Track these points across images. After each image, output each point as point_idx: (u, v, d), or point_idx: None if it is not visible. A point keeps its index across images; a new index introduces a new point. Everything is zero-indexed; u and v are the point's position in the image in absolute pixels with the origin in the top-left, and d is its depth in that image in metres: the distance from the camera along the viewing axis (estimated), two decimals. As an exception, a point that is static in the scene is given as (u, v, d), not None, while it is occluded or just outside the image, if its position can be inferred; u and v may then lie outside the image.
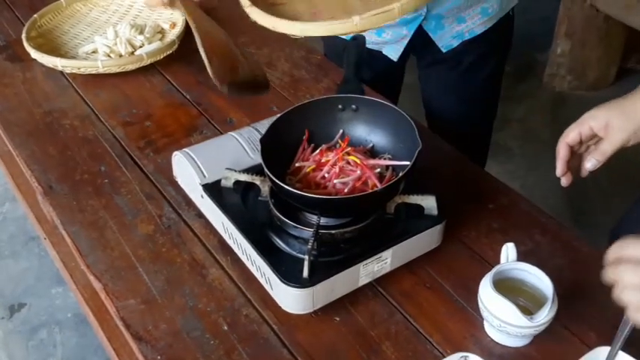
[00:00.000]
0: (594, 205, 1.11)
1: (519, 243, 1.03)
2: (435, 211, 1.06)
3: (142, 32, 1.60)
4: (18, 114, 1.42)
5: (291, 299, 0.98)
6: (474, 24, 1.44)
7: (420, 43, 1.47)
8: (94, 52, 1.58)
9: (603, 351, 0.90)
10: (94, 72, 1.47)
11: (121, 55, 1.54)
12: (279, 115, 1.12)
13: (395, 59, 1.50)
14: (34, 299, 2.17)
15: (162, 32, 1.65)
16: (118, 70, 1.47)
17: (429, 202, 1.06)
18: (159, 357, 0.96)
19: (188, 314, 1.02)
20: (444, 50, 1.47)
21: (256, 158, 1.13)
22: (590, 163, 1.09)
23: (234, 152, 1.16)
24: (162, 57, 1.52)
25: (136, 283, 1.07)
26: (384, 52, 1.50)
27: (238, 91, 1.15)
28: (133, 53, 1.55)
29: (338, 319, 1.01)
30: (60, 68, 1.49)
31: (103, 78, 1.50)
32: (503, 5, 1.45)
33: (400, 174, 1.02)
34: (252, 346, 0.97)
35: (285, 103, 1.34)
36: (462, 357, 0.90)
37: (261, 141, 1.06)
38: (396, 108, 1.11)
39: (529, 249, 1.10)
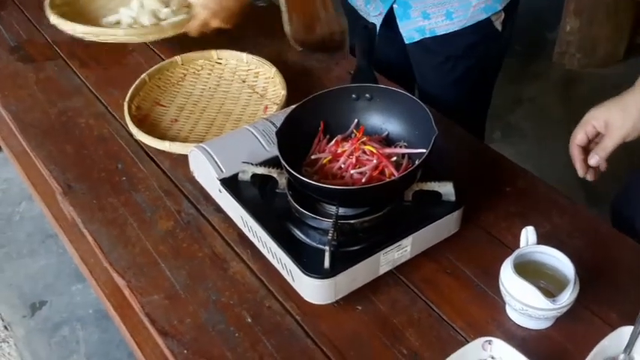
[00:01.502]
0: (608, 183, 1.12)
1: (538, 225, 1.03)
2: (452, 197, 1.06)
3: (167, 5, 1.56)
4: (33, 114, 1.43)
5: (313, 290, 0.99)
6: (437, 24, 1.43)
7: (392, 25, 1.48)
8: (118, 22, 1.55)
9: (626, 331, 0.90)
10: (112, 41, 1.45)
11: (143, 27, 1.51)
12: (293, 107, 1.13)
13: (377, 30, 1.47)
14: (55, 297, 2.19)
15: (188, 6, 1.53)
16: (139, 40, 1.45)
17: (446, 189, 1.06)
18: (185, 351, 0.97)
19: (212, 308, 1.03)
20: (405, 41, 1.48)
21: (272, 151, 1.14)
22: (593, 159, 1.13)
23: (249, 146, 1.17)
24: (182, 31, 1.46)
25: (159, 278, 1.08)
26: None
27: (312, 49, 1.13)
28: (157, 25, 1.50)
29: (360, 308, 1.02)
30: (80, 35, 1.46)
31: (114, 77, 1.51)
32: (469, 14, 1.41)
33: (417, 162, 1.03)
34: (277, 338, 0.98)
35: (298, 94, 1.33)
36: (485, 341, 0.91)
37: (277, 134, 1.07)
38: (410, 96, 1.12)
39: (547, 231, 1.10)
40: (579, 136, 1.14)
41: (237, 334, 0.99)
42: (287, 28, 1.06)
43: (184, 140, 1.33)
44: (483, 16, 1.42)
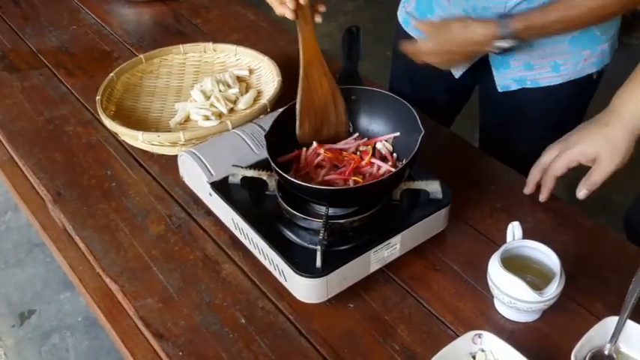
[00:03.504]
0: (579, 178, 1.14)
1: (523, 221, 1.05)
2: (439, 195, 1.09)
3: (229, 85, 1.46)
4: (20, 123, 1.43)
5: (305, 289, 1.01)
6: (541, 75, 1.33)
7: (483, 71, 1.38)
8: (187, 120, 1.39)
9: (612, 321, 0.93)
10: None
11: (220, 115, 1.39)
12: (281, 111, 1.15)
13: (456, 76, 1.42)
14: (43, 305, 2.19)
15: (244, 80, 1.50)
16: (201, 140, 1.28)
17: (433, 187, 1.09)
18: (180, 353, 0.98)
19: (205, 310, 1.04)
20: (499, 89, 1.37)
21: (261, 154, 1.15)
22: (582, 193, 1.12)
23: (238, 149, 1.18)
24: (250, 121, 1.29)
25: (152, 282, 1.09)
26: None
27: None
28: (232, 110, 1.41)
29: (352, 305, 1.04)
30: (141, 143, 1.31)
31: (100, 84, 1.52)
32: (579, 68, 1.32)
33: (405, 161, 1.05)
34: (271, 337, 1.00)
35: (285, 97, 1.35)
36: (475, 335, 0.93)
37: (266, 137, 1.08)
38: (396, 97, 1.14)
39: (533, 226, 1.13)
40: (561, 170, 1.12)
41: (231, 334, 1.00)
42: (298, 131, 1.12)
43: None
44: (593, 70, 1.33)
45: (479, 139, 1.56)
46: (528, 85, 1.35)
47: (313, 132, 1.14)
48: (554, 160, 1.13)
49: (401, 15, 1.52)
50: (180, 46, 1.55)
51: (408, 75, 1.54)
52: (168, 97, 1.47)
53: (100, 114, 1.32)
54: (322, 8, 1.10)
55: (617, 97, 1.11)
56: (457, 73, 1.41)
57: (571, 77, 1.33)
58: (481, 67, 1.37)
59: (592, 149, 1.09)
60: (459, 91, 1.54)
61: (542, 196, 1.17)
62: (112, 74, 1.43)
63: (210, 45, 1.55)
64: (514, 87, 1.36)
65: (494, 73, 1.36)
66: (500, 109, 1.44)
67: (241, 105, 1.41)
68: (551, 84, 1.33)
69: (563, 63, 1.31)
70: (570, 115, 1.38)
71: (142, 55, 1.51)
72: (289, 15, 1.07)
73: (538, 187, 1.18)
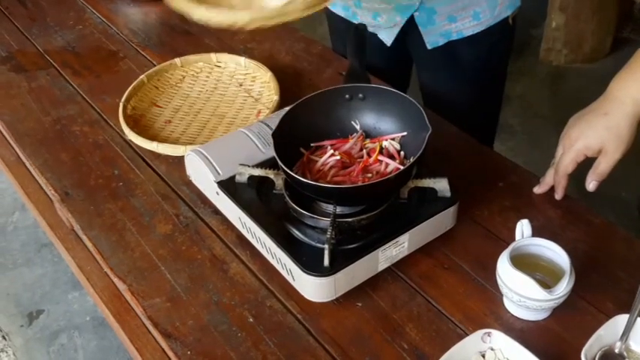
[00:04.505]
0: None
1: (532, 219, 1.05)
2: (447, 193, 1.08)
3: None
4: (27, 124, 1.44)
5: (313, 288, 1.00)
6: (464, 25, 1.45)
7: (411, 33, 1.48)
8: None
9: (622, 319, 0.92)
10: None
11: None
12: (288, 109, 1.14)
13: (388, 44, 1.52)
14: (52, 305, 2.20)
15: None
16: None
17: (441, 185, 1.08)
18: (189, 352, 0.98)
19: (213, 309, 1.04)
20: (428, 47, 1.49)
21: (268, 152, 1.15)
22: (591, 185, 1.12)
23: (245, 148, 1.18)
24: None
25: (160, 281, 1.09)
26: (379, 36, 1.52)
27: None
28: None
29: (360, 304, 1.03)
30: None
31: (107, 84, 1.52)
32: (496, 13, 1.45)
33: (412, 159, 1.04)
34: (279, 336, 1.00)
35: (290, 96, 1.35)
36: (484, 333, 0.92)
37: (273, 135, 1.08)
38: (403, 94, 1.13)
39: (542, 224, 1.12)
40: (571, 167, 1.12)
41: (239, 334, 1.00)
42: None
43: (175, 142, 1.34)
44: (507, 14, 1.47)
45: (422, 100, 1.65)
46: (454, 37, 1.47)
47: None
48: (561, 158, 1.13)
49: None
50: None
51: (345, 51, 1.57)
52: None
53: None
54: None
55: (615, 83, 1.10)
56: (388, 41, 1.51)
57: (490, 23, 1.46)
58: (409, 30, 1.48)
59: (596, 141, 1.08)
60: (396, 57, 1.61)
61: (558, 195, 1.17)
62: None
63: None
64: (442, 41, 1.48)
65: (422, 31, 1.47)
66: (434, 65, 1.57)
67: None
68: (474, 32, 1.46)
69: (482, 11, 1.44)
70: (496, 59, 1.57)
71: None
72: None
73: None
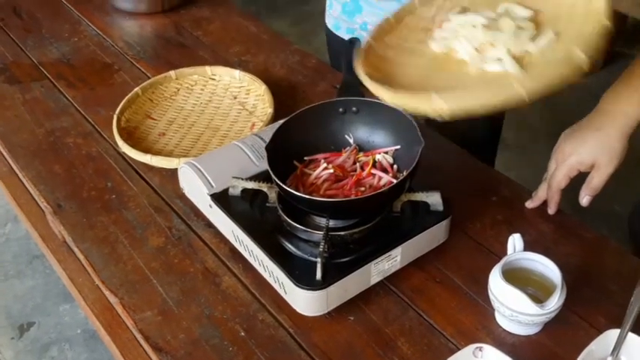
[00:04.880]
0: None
1: (524, 233, 1.05)
2: (440, 207, 1.08)
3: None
4: (21, 135, 1.43)
5: (305, 302, 1.00)
6: None
7: None
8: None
9: (613, 334, 0.92)
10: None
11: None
12: (282, 122, 1.14)
13: None
14: (43, 317, 2.18)
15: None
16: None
17: (434, 199, 1.08)
18: (180, 366, 0.98)
19: (205, 323, 1.03)
20: None
21: (261, 165, 1.15)
22: (585, 200, 1.13)
23: (239, 161, 1.18)
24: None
25: (152, 295, 1.08)
26: None
27: None
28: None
29: (352, 318, 1.03)
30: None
31: (101, 96, 1.52)
32: None
33: (405, 172, 1.04)
34: (270, 350, 0.99)
35: (285, 109, 1.35)
36: (476, 348, 0.92)
37: (267, 149, 1.08)
38: (397, 108, 1.13)
39: (534, 238, 1.12)
40: (564, 182, 1.12)
41: (230, 348, 1.00)
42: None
43: (169, 154, 1.34)
44: None
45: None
46: None
47: None
48: (554, 174, 1.13)
49: (330, 21, 1.61)
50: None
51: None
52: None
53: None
54: None
55: (607, 98, 1.11)
56: None
57: None
58: None
59: (589, 156, 1.09)
60: None
61: (551, 210, 1.17)
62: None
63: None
64: None
65: None
66: None
67: (533, 46, 0.99)
68: None
69: None
70: None
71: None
72: None
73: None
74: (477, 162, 1.32)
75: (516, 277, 0.98)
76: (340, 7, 1.56)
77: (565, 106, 2.93)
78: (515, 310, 0.94)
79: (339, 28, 1.58)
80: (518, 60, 0.96)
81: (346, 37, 1.55)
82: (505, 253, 1.03)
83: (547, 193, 1.16)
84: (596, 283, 1.06)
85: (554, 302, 0.94)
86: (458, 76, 1.00)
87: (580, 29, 0.94)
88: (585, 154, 1.10)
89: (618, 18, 2.93)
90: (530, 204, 1.19)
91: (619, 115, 1.08)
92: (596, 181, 1.10)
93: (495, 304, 0.98)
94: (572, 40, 0.93)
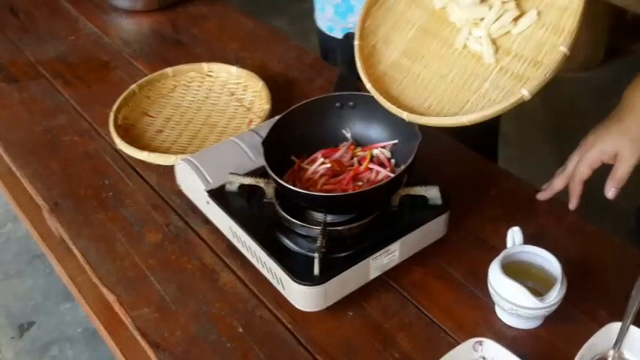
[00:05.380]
0: (589, 181, 1.13)
1: (524, 226, 1.04)
2: (439, 201, 1.07)
3: None
4: (18, 133, 1.43)
5: (303, 297, 0.99)
6: None
7: None
8: None
9: (614, 327, 0.91)
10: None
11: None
12: (278, 118, 1.14)
13: None
14: (43, 317, 2.18)
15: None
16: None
17: (432, 193, 1.08)
18: (177, 363, 0.97)
19: (202, 319, 1.03)
20: None
21: (258, 161, 1.14)
22: (611, 192, 1.11)
23: (236, 157, 1.17)
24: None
25: (149, 292, 1.08)
26: None
27: None
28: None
29: (351, 313, 1.02)
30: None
31: (98, 94, 1.52)
32: None
33: (403, 167, 1.04)
34: (269, 346, 0.99)
35: (282, 105, 1.34)
36: (476, 342, 0.91)
37: (263, 144, 1.08)
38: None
39: (534, 232, 1.11)
40: (586, 173, 1.11)
41: (229, 344, 0.99)
42: None
43: (166, 151, 1.33)
44: None
45: None
46: None
47: None
48: (577, 166, 1.13)
49: (323, 23, 1.64)
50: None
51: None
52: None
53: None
54: None
55: (629, 91, 1.11)
56: None
57: None
58: None
59: (611, 146, 1.09)
60: None
61: (573, 204, 1.15)
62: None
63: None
64: None
65: None
66: None
67: (515, 29, 1.03)
68: None
69: None
70: None
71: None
72: None
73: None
74: (475, 155, 1.31)
75: (516, 270, 0.97)
76: (333, 9, 1.56)
77: (566, 100, 2.93)
78: (515, 304, 0.94)
79: (334, 30, 1.59)
80: (498, 41, 1.04)
81: (341, 36, 1.54)
82: (504, 247, 1.02)
83: (570, 186, 1.14)
84: (597, 277, 1.05)
85: (555, 296, 0.93)
86: (445, 55, 1.09)
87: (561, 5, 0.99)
88: (607, 144, 1.09)
89: (618, 13, 2.92)
90: (542, 195, 1.18)
91: (639, 107, 1.08)
92: (620, 171, 1.09)
93: (495, 297, 0.97)
94: (553, 20, 0.99)
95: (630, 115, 1.08)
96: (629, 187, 1.11)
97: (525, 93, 0.94)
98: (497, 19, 1.03)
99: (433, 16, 1.12)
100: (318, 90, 1.48)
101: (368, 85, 1.07)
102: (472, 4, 1.04)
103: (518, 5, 1.02)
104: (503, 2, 1.02)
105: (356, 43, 1.11)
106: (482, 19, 1.04)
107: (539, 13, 1.01)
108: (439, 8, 1.10)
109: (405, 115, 1.02)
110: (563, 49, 0.94)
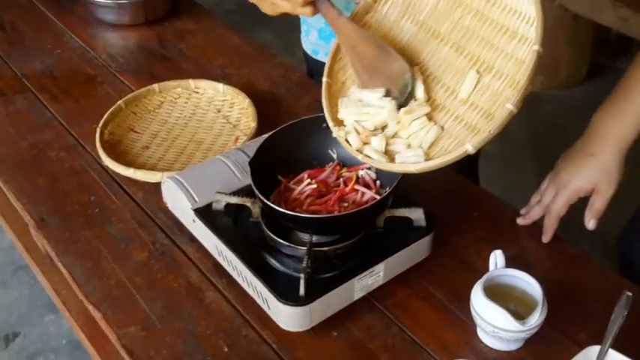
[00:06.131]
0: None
1: (506, 248, 1.06)
2: (423, 223, 1.09)
3: None
4: (4, 148, 1.42)
5: (289, 317, 1.00)
6: None
7: None
8: None
9: (594, 350, 0.93)
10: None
11: None
12: (265, 137, 1.15)
13: None
14: (28, 328, 2.17)
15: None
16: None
17: (416, 214, 1.09)
18: (163, 383, 0.98)
19: (188, 338, 1.03)
20: None
21: (245, 180, 1.15)
22: (591, 224, 1.13)
23: (222, 175, 1.18)
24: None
25: (135, 310, 1.08)
26: None
27: None
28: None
29: (335, 334, 1.03)
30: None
31: (85, 109, 1.52)
32: None
33: (388, 188, 1.05)
34: (254, 366, 1.00)
35: (268, 123, 1.36)
36: (458, 364, 0.93)
37: (251, 164, 1.09)
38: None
39: (515, 254, 1.13)
40: (564, 210, 1.13)
41: (214, 363, 1.00)
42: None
43: (152, 168, 1.34)
44: None
45: None
46: None
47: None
48: (554, 201, 1.14)
49: (308, 46, 1.64)
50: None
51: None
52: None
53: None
54: None
55: (598, 120, 1.12)
56: None
57: None
58: None
59: (588, 183, 1.11)
60: None
61: (547, 238, 1.17)
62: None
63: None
64: None
65: None
66: None
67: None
68: None
69: None
70: None
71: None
72: (308, 12, 1.05)
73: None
74: (459, 177, 1.33)
75: (498, 293, 0.99)
76: (317, 33, 1.58)
77: (548, 117, 2.96)
78: (497, 327, 0.95)
79: (318, 53, 1.61)
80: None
81: (325, 59, 1.53)
82: (487, 269, 1.04)
83: (546, 221, 1.16)
84: (577, 300, 1.07)
85: (536, 319, 0.95)
86: None
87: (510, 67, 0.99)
88: (584, 181, 1.11)
89: (601, 31, 2.96)
90: (521, 221, 1.20)
91: (612, 139, 1.09)
92: (598, 204, 1.11)
93: (477, 320, 0.98)
94: (511, 72, 0.99)
95: (602, 147, 1.09)
96: (607, 209, 1.13)
97: (470, 148, 0.95)
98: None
99: (402, 56, 1.10)
100: (304, 108, 1.49)
101: (330, 124, 1.07)
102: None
103: (473, 58, 1.03)
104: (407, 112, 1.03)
105: (324, 80, 1.11)
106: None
107: (492, 70, 1.01)
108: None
109: (360, 157, 1.03)
110: (510, 106, 0.94)
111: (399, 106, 1.04)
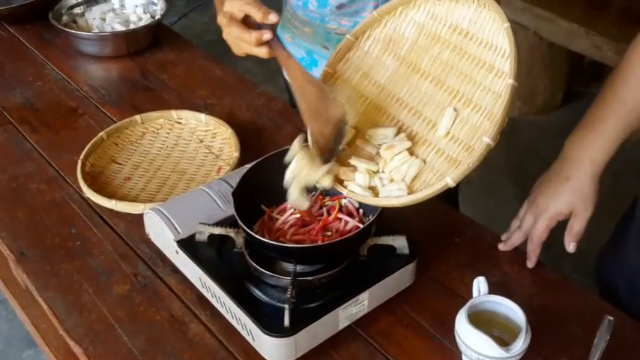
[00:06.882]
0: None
1: (488, 274, 1.06)
2: (406, 250, 1.09)
3: None
4: (-17, 181, 1.42)
5: (273, 349, 1.00)
6: None
7: None
8: None
9: (578, 375, 0.93)
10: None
11: None
12: (248, 167, 1.15)
13: None
14: (5, 364, 2.14)
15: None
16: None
17: (399, 242, 1.09)
18: (146, 418, 0.96)
19: (172, 372, 1.02)
20: None
21: (228, 210, 1.15)
22: (571, 246, 1.15)
23: (205, 206, 1.18)
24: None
25: (117, 344, 1.07)
26: None
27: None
28: None
29: (320, 364, 1.03)
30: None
31: (66, 141, 1.52)
32: None
33: (371, 217, 1.06)
34: (239, 399, 0.99)
35: (251, 152, 1.36)
36: (444, 392, 0.93)
37: (234, 195, 1.09)
38: (360, 153, 1.15)
39: (497, 280, 1.14)
40: (545, 235, 1.15)
41: (198, 397, 0.99)
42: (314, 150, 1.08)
43: (134, 199, 1.34)
44: None
45: None
46: None
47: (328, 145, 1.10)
48: (534, 227, 1.15)
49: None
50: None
51: None
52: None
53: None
54: (275, 18, 1.05)
55: (572, 145, 1.14)
56: None
57: None
58: None
59: (565, 206, 1.12)
60: None
61: (532, 263, 1.18)
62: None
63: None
64: None
65: None
66: None
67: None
68: None
69: None
70: None
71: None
72: (264, 53, 1.07)
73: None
74: (441, 204, 1.33)
75: (482, 319, 0.99)
76: None
77: (526, 142, 3.00)
78: (482, 354, 0.95)
79: (307, 4, 1.58)
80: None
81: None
82: (470, 295, 1.04)
83: (529, 247, 1.17)
84: (559, 324, 1.08)
85: (520, 345, 0.95)
86: None
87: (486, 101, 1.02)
88: (562, 205, 1.12)
89: (575, 58, 3.02)
90: (502, 247, 1.20)
91: (586, 162, 1.11)
92: (577, 227, 1.13)
93: (462, 347, 0.99)
94: (489, 105, 1.01)
95: (577, 170, 1.11)
96: (586, 228, 1.15)
97: (450, 181, 0.97)
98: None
99: (384, 91, 1.15)
100: (286, 137, 1.49)
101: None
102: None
103: (453, 92, 1.06)
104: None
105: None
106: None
107: (471, 104, 1.04)
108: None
109: (345, 192, 1.06)
110: (488, 140, 0.96)
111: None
